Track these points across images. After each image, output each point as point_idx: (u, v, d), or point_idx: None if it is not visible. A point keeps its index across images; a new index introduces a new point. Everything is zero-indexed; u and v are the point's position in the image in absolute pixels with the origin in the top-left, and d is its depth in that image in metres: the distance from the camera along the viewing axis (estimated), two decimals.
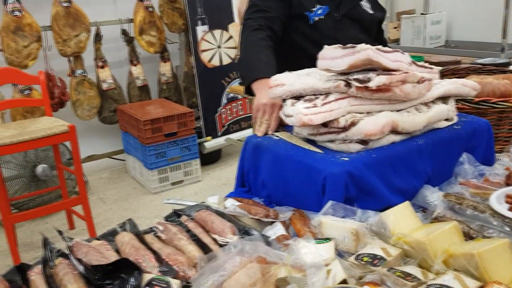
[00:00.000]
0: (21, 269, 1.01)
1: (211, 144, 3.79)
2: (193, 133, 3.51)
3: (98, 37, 3.44)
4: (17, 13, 2.97)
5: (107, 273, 0.89)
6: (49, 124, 2.42)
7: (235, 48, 3.85)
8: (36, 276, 0.97)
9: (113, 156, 3.87)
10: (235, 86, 3.62)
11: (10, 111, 3.11)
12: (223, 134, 3.89)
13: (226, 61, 3.82)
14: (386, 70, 1.16)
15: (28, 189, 3.08)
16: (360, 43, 1.16)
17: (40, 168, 3.07)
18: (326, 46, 1.18)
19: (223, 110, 3.88)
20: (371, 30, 1.79)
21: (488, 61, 2.46)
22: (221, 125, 3.88)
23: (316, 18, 1.66)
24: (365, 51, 1.11)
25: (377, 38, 1.81)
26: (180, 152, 3.48)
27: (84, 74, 3.40)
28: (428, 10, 4.22)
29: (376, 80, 1.11)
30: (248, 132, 3.99)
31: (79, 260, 0.94)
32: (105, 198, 3.41)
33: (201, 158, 3.66)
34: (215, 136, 3.84)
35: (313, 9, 1.66)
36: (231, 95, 3.87)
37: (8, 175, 2.97)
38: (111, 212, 3.17)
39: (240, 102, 3.97)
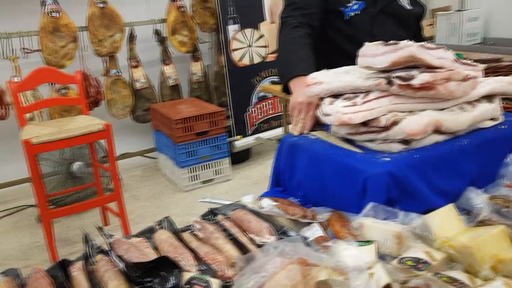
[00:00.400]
0: (63, 265, 1.02)
1: (241, 143, 3.80)
2: (224, 132, 3.52)
3: (132, 37, 3.49)
4: (54, 14, 3.04)
5: (147, 271, 0.89)
6: (86, 123, 2.47)
7: (265, 46, 3.83)
8: (77, 272, 0.99)
9: (145, 154, 3.92)
10: (267, 85, 3.61)
11: (48, 110, 3.20)
12: (253, 133, 3.89)
13: (257, 60, 3.81)
14: (430, 68, 1.12)
15: (64, 185, 3.16)
16: (397, 39, 1.12)
17: (76, 165, 3.14)
18: (366, 43, 1.15)
19: (253, 109, 3.88)
20: (409, 26, 1.74)
21: None
22: (251, 124, 3.88)
23: (352, 14, 1.63)
24: (408, 48, 1.08)
25: (415, 34, 1.76)
26: (210, 150, 3.50)
27: (118, 73, 3.46)
28: (464, 6, 4.10)
29: (420, 77, 1.08)
30: (278, 131, 3.97)
31: (120, 257, 0.95)
32: (138, 195, 3.46)
33: (231, 157, 3.67)
34: (245, 135, 3.84)
35: (349, 4, 1.62)
36: (261, 94, 3.86)
37: (45, 172, 3.05)
38: (144, 209, 3.21)
39: (270, 101, 3.96)
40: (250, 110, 3.86)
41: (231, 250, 1.02)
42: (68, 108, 3.21)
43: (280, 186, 1.40)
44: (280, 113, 3.95)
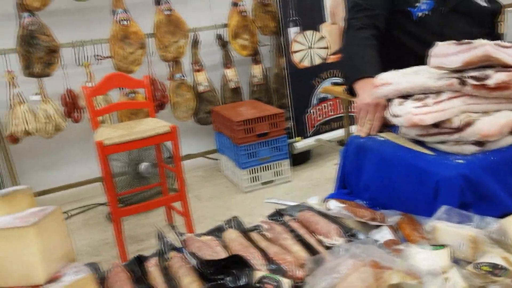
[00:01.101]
0: (139, 260, 1.08)
1: (301, 144, 3.79)
2: (284, 134, 3.53)
3: (196, 42, 3.60)
4: (124, 22, 3.20)
5: (220, 268, 0.93)
6: (153, 125, 2.58)
7: (326, 48, 3.81)
8: (153, 268, 1.04)
9: (207, 156, 4.03)
10: (328, 86, 3.59)
11: (117, 113, 3.37)
12: (313, 134, 3.88)
13: (318, 61, 3.80)
14: (505, 67, 1.08)
15: (131, 185, 3.31)
16: (471, 38, 1.09)
17: (143, 166, 3.29)
18: (438, 43, 1.12)
19: (313, 110, 3.87)
20: (483, 24, 1.65)
21: None
22: (311, 126, 3.87)
23: (420, 14, 1.59)
24: (483, 47, 1.04)
25: (489, 33, 1.67)
26: (270, 152, 3.52)
27: (182, 77, 3.58)
28: None
29: (495, 77, 1.04)
30: (339, 133, 3.93)
31: (193, 254, 0.99)
32: (200, 195, 3.55)
33: (291, 158, 3.68)
34: (305, 136, 3.83)
35: (417, 4, 1.58)
36: (322, 95, 3.84)
37: (115, 172, 3.21)
38: (206, 210, 3.29)
39: (331, 102, 3.93)
40: (310, 111, 3.85)
41: (300, 251, 1.03)
42: (135, 111, 3.37)
43: (346, 188, 1.40)
44: (341, 115, 3.91)
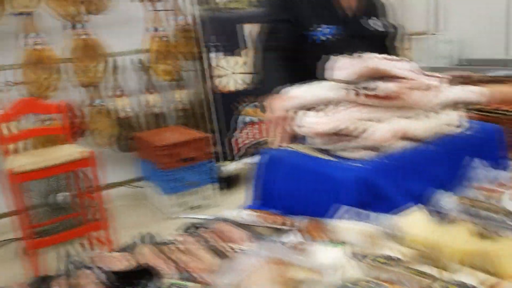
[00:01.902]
0: (45, 280, 1.04)
1: (228, 168, 3.83)
2: (210, 158, 3.55)
3: (115, 67, 3.56)
4: (38, 46, 3.10)
5: (128, 279, 0.92)
6: (70, 151, 2.50)
7: (249, 73, 3.92)
8: (58, 286, 1.00)
9: (131, 184, 3.93)
10: (250, 109, 3.68)
11: (32, 142, 3.21)
12: (241, 158, 3.93)
13: (241, 86, 3.89)
14: (394, 78, 1.19)
15: (50, 217, 3.14)
16: None
17: (61, 196, 3.14)
18: (333, 57, 1.21)
19: (240, 134, 3.93)
20: (382, 48, 1.81)
21: (501, 74, 2.47)
22: (237, 149, 3.93)
23: (323, 38, 1.71)
24: (372, 60, 1.15)
25: (389, 54, 1.83)
26: (197, 176, 3.52)
27: (102, 103, 3.50)
28: (439, 30, 4.26)
29: (384, 88, 1.14)
30: None
31: (100, 269, 0.97)
32: (125, 224, 3.44)
33: (219, 182, 3.69)
34: (232, 160, 3.87)
35: (320, 29, 1.70)
36: (248, 119, 3.92)
37: (31, 203, 3.03)
38: (131, 238, 3.19)
39: (257, 125, 4.02)
40: (236, 135, 3.91)
41: (212, 259, 1.04)
42: (52, 139, 3.23)
43: (261, 199, 1.44)
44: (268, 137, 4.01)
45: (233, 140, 3.89)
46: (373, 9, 1.80)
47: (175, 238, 1.19)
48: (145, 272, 0.92)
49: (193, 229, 1.25)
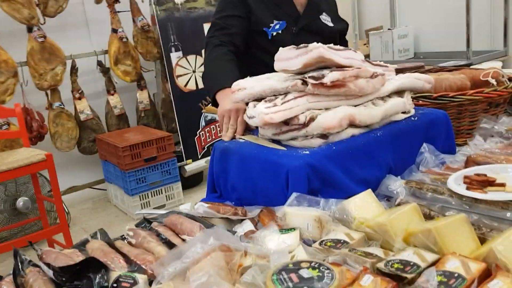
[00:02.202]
0: None
1: (191, 167, 3.81)
2: (173, 157, 3.53)
3: (74, 70, 3.49)
4: None
5: (74, 274, 0.91)
6: (26, 154, 2.43)
7: None
8: (6, 285, 0.98)
9: (94, 186, 3.86)
10: (210, 107, 3.67)
11: None
12: (204, 156, 3.92)
13: (202, 85, 3.88)
14: (340, 67, 1.22)
15: (9, 222, 3.05)
16: None
17: (20, 201, 3.05)
18: (281, 48, 1.23)
19: (202, 132, 3.92)
20: (333, 42, 1.84)
21: (451, 64, 2.56)
22: (200, 148, 3.91)
23: (274, 33, 1.73)
24: (317, 49, 1.17)
25: None
26: (160, 176, 3.49)
27: (61, 106, 3.43)
28: (394, 25, 4.37)
29: (330, 76, 1.17)
30: None
31: (48, 265, 0.95)
32: (88, 227, 3.38)
33: (183, 181, 3.67)
34: (195, 159, 3.86)
35: (271, 24, 1.73)
36: (209, 117, 3.92)
37: None
38: None
39: (218, 123, 4.01)
40: (199, 134, 3.89)
41: (163, 251, 1.04)
42: (9, 144, 3.14)
43: (216, 192, 1.45)
44: None
45: (196, 138, 3.88)
46: (324, 5, 1.84)
47: (127, 233, 1.18)
48: (92, 266, 0.91)
49: (146, 223, 1.25)
